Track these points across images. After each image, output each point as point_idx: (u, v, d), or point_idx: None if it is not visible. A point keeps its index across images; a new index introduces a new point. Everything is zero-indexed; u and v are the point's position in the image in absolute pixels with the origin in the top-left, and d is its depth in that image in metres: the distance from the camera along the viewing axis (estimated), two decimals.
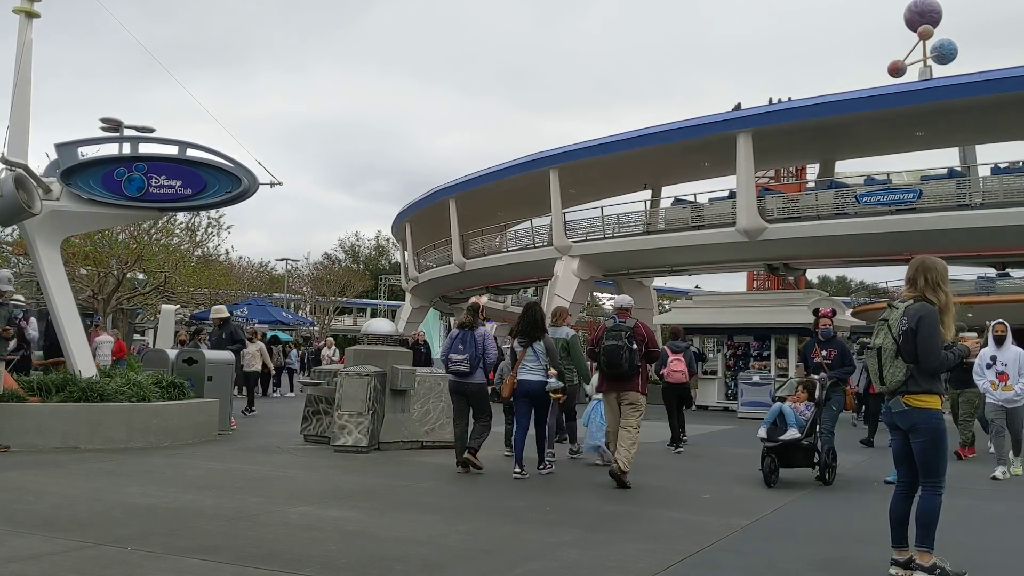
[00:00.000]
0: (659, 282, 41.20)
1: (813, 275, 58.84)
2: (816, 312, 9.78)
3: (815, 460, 8.51)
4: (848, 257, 26.57)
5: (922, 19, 30.67)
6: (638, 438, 8.20)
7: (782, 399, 8.90)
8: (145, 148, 11.46)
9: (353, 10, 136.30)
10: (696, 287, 52.06)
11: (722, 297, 28.43)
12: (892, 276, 45.42)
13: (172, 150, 11.29)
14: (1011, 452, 9.56)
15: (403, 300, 46.46)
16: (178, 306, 33.16)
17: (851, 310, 39.20)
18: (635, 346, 8.07)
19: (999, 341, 9.58)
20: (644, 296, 32.30)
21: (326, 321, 53.94)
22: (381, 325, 12.70)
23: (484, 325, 9.32)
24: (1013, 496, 8.28)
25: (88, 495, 6.66)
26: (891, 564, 4.81)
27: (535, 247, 31.53)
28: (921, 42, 31.20)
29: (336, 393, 10.31)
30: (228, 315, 14.75)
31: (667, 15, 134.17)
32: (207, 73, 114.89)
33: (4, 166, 10.49)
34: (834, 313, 10.02)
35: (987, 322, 10.06)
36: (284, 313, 39.17)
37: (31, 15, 11.02)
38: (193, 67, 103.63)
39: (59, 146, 11.03)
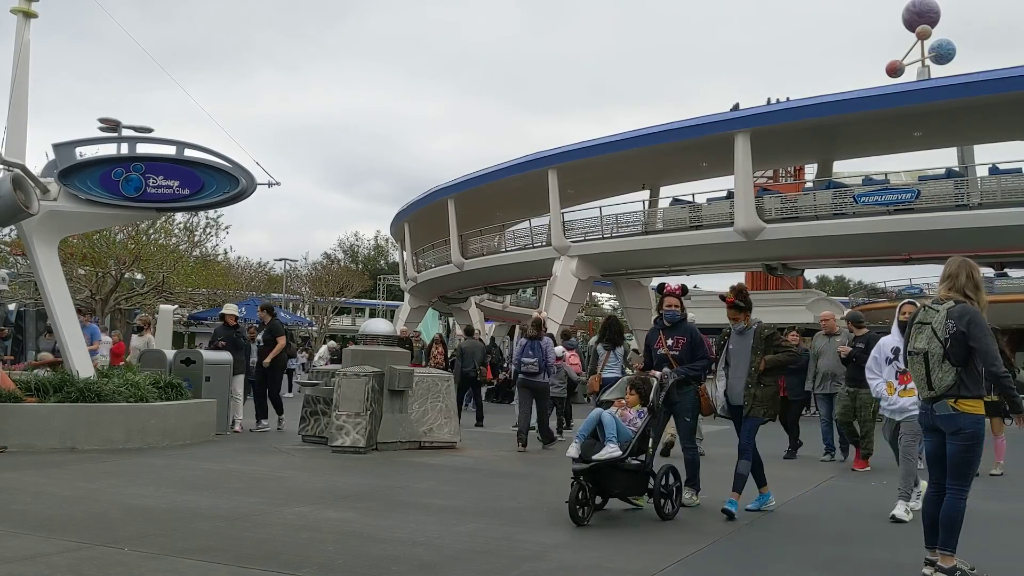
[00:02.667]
0: (657, 282, 41.17)
1: (811, 275, 58.94)
2: (660, 288, 7.57)
3: (649, 485, 6.51)
4: (846, 257, 26.58)
5: (920, 19, 30.67)
6: None
7: (606, 404, 6.79)
8: (143, 148, 11.45)
9: (349, 12, 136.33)
10: (695, 287, 52.10)
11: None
12: (890, 276, 45.32)
13: (170, 150, 11.28)
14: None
15: (402, 300, 46.43)
16: (176, 306, 33.16)
17: (849, 310, 39.25)
18: None
19: (905, 328, 6.13)
20: (642, 296, 32.31)
21: (325, 321, 53.92)
22: (379, 325, 12.70)
23: (545, 336, 11.49)
24: (1011, 496, 8.28)
25: (85, 495, 6.65)
26: (924, 564, 4.88)
27: (534, 247, 31.54)
28: (919, 42, 31.20)
29: (334, 393, 10.31)
30: (271, 314, 13.45)
31: (662, 18, 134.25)
32: (205, 75, 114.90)
33: (2, 166, 10.48)
34: (684, 291, 7.46)
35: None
36: (283, 313, 39.15)
37: (29, 15, 11.01)
38: (191, 69, 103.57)
39: (57, 146, 11.02)
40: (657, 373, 6.85)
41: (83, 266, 25.80)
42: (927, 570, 4.82)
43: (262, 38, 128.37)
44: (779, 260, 26.71)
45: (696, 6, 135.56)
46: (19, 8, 10.99)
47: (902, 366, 6.53)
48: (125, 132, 20.09)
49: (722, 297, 7.14)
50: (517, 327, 39.39)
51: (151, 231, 27.16)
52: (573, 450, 6.22)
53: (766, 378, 6.78)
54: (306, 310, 56.89)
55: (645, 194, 31.51)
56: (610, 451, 6.13)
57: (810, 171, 34.15)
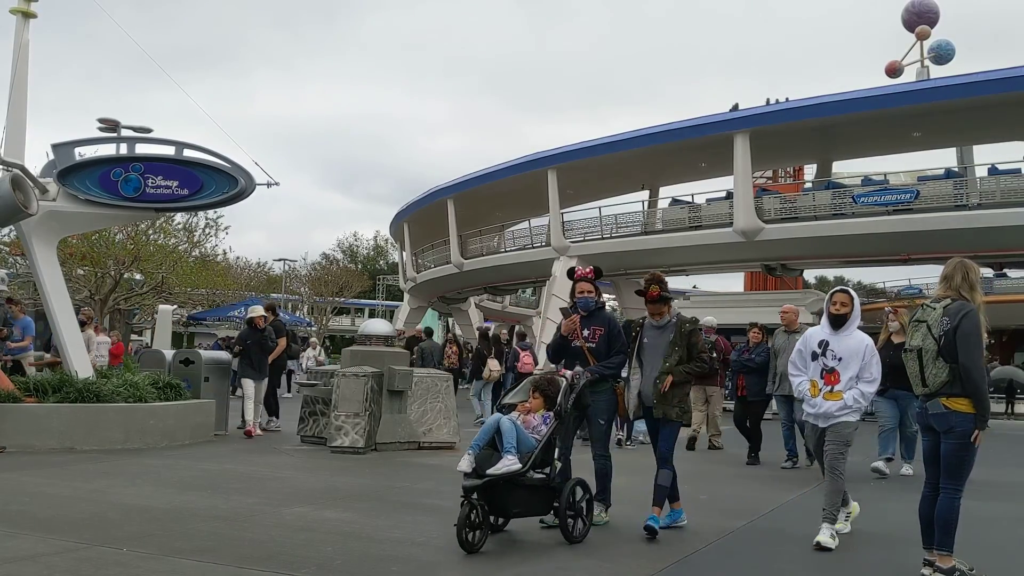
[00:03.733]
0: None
1: (811, 275, 58.91)
2: (571, 273, 6.82)
3: (555, 502, 5.55)
4: (845, 257, 26.57)
5: (920, 19, 30.68)
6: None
7: (508, 407, 5.87)
8: (142, 148, 11.46)
9: (346, 14, 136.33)
10: (694, 287, 52.09)
11: (720, 297, 28.43)
12: (890, 276, 45.42)
13: (169, 150, 11.29)
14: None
15: (401, 300, 46.39)
16: (175, 306, 33.17)
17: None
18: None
19: (836, 322, 5.89)
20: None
21: (324, 322, 53.89)
22: (378, 326, 12.68)
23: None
24: (1011, 496, 8.28)
25: (84, 496, 6.65)
26: (923, 564, 4.88)
27: (533, 247, 31.54)
28: (919, 43, 31.22)
29: (333, 394, 10.31)
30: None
31: (661, 18, 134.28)
32: (203, 76, 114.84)
33: (1, 166, 10.47)
34: (598, 274, 6.77)
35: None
36: (282, 314, 39.05)
37: (28, 15, 11.02)
38: (190, 70, 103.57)
39: (56, 146, 11.02)
40: (568, 373, 6.00)
41: (82, 266, 25.79)
42: (926, 570, 4.82)
43: (260, 39, 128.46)
44: (778, 260, 26.71)
45: (696, 6, 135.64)
46: (18, 8, 10.99)
47: (829, 363, 5.81)
48: (124, 132, 20.09)
49: (639, 292, 6.37)
50: (517, 327, 39.44)
51: (150, 231, 27.16)
52: (465, 463, 5.26)
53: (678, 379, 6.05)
54: (305, 310, 56.83)
55: (644, 194, 31.51)
56: (508, 464, 5.20)
57: (809, 171, 34.14)
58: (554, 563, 5.01)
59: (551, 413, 5.65)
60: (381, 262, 77.68)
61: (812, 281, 64.19)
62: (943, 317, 4.72)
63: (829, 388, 5.81)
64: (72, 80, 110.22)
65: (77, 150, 11.35)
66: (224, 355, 12.51)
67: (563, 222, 29.44)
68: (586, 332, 6.35)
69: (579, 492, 5.65)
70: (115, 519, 5.80)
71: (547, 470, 5.57)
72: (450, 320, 46.91)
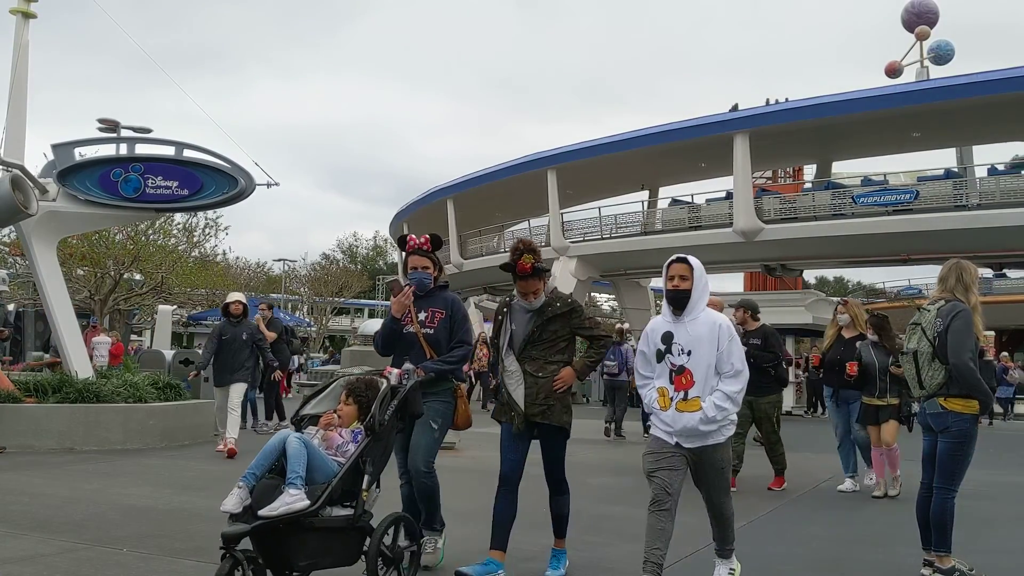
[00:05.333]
0: (656, 283, 41.23)
1: (810, 276, 58.90)
2: (403, 242, 5.17)
3: (365, 546, 4.10)
4: (845, 258, 26.59)
5: (919, 20, 30.68)
6: None
7: (307, 420, 4.39)
8: (142, 149, 11.47)
9: (344, 17, 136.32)
10: None
11: (720, 297, 28.39)
12: (889, 277, 45.48)
13: (169, 151, 11.30)
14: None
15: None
16: (175, 307, 33.14)
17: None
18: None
19: (676, 302, 4.32)
20: (641, 297, 32.32)
21: (324, 322, 53.88)
22: (378, 326, 12.65)
23: (627, 341, 14.03)
24: (1011, 496, 8.28)
25: (84, 496, 6.65)
26: (923, 564, 4.88)
27: None
28: (918, 43, 31.22)
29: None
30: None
31: (660, 19, 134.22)
32: (202, 77, 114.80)
33: (1, 167, 10.47)
34: (436, 244, 5.04)
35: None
36: (281, 314, 39.10)
37: (28, 16, 11.02)
38: (188, 72, 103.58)
39: (56, 147, 11.03)
40: (394, 371, 4.50)
41: (82, 266, 25.78)
42: (925, 571, 4.82)
43: (259, 41, 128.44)
44: (778, 261, 26.72)
45: (695, 7, 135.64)
46: (18, 8, 10.99)
47: (677, 360, 4.23)
48: (124, 133, 20.10)
49: (505, 266, 4.80)
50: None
51: (150, 231, 27.13)
52: (232, 501, 3.75)
53: (550, 367, 4.71)
54: (305, 311, 56.83)
55: (644, 195, 31.51)
56: (289, 502, 3.71)
57: (809, 172, 34.13)
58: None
59: (363, 426, 4.17)
60: (381, 262, 77.66)
61: (812, 281, 64.24)
62: (936, 319, 4.75)
63: (682, 395, 4.20)
64: (71, 82, 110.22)
65: (77, 150, 11.37)
66: None
67: (563, 222, 29.45)
68: (423, 315, 4.98)
69: (399, 534, 4.36)
70: (115, 519, 5.80)
71: (352, 504, 4.04)
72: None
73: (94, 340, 16.33)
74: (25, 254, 12.42)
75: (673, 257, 4.39)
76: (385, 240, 74.46)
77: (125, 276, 27.17)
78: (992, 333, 10.93)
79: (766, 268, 28.27)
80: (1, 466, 8.02)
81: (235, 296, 10.59)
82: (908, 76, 30.76)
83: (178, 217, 26.46)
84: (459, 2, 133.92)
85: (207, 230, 28.71)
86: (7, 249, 26.74)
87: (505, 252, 34.78)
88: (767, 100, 28.06)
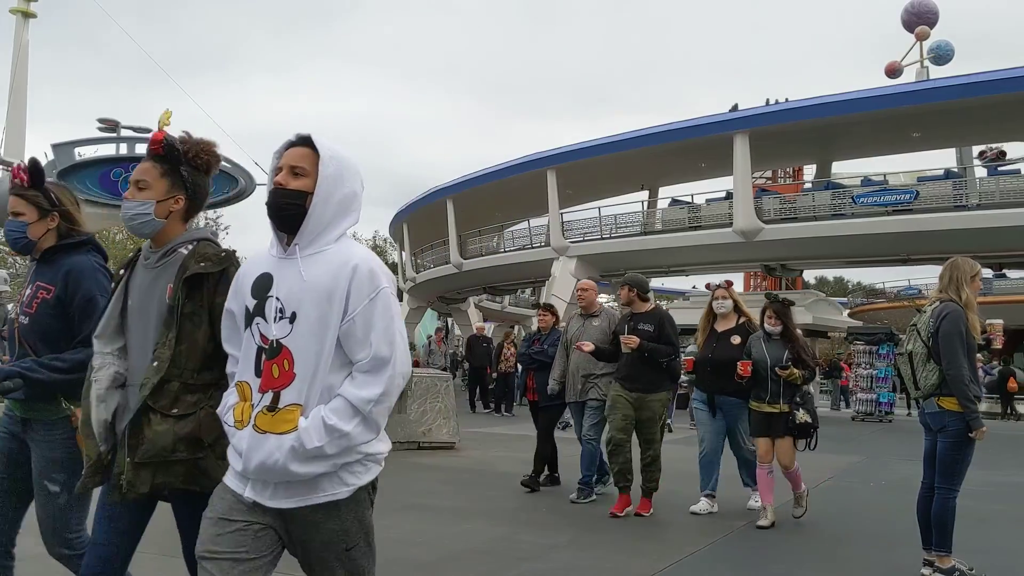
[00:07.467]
0: (656, 283, 41.24)
1: (810, 276, 58.95)
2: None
3: None
4: (845, 258, 26.60)
5: (919, 20, 30.69)
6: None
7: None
8: (142, 148, 11.46)
9: (344, 17, 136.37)
10: (693, 287, 52.10)
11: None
12: (889, 277, 45.58)
13: None
14: None
15: (400, 300, 46.33)
16: None
17: (848, 311, 39.28)
18: None
19: (280, 215, 2.25)
20: None
21: None
22: None
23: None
24: (1011, 496, 8.28)
25: None
26: (923, 564, 4.89)
27: (532, 247, 31.54)
28: (918, 43, 31.23)
29: None
30: None
31: (660, 20, 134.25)
32: (200, 78, 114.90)
33: (0, 167, 10.49)
34: (38, 177, 3.08)
35: None
36: None
37: (28, 15, 11.03)
38: (188, 72, 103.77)
39: (56, 146, 11.05)
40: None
41: None
42: (925, 570, 4.82)
43: (257, 42, 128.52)
44: (778, 261, 26.74)
45: (694, 7, 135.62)
46: (18, 8, 11.01)
47: (271, 330, 2.18)
48: (124, 133, 20.09)
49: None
50: (517, 326, 39.47)
51: None
52: None
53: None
54: None
55: (644, 195, 31.52)
56: None
57: (809, 172, 34.17)
58: (553, 564, 5.00)
59: None
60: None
61: (812, 281, 64.27)
62: (929, 320, 4.80)
63: (268, 400, 2.21)
64: (71, 82, 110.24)
65: (77, 150, 11.40)
66: None
67: (563, 222, 29.45)
68: (27, 292, 3.10)
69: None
70: None
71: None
72: (449, 320, 46.90)
73: None
74: None
75: (290, 138, 2.35)
76: (385, 240, 74.44)
77: None
78: (1001, 321, 10.06)
79: (766, 268, 28.30)
80: None
81: None
82: (908, 76, 30.78)
83: None
84: (459, 2, 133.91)
85: (207, 230, 28.72)
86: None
87: (504, 252, 34.88)
88: (767, 100, 28.12)
